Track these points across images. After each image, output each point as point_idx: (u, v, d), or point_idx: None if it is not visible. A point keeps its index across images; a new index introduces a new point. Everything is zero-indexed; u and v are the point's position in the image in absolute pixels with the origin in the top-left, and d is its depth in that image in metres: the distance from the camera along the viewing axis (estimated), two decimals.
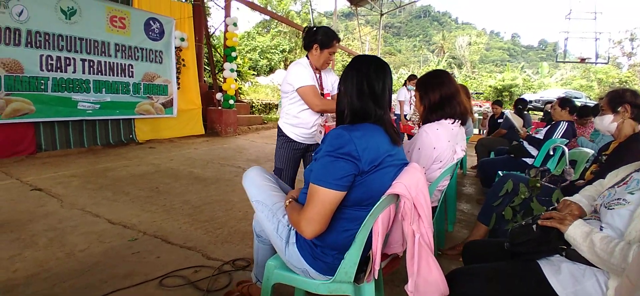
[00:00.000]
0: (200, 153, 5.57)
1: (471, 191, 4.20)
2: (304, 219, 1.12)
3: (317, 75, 2.30)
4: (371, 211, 1.10)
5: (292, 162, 2.37)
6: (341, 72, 1.29)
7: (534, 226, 1.24)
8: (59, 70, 4.72)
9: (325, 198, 1.09)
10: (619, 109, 1.89)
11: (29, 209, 2.82)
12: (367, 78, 1.20)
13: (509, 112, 5.70)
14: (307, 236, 1.13)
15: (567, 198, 1.42)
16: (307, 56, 2.29)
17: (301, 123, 2.28)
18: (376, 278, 1.25)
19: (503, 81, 23.54)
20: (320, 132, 2.23)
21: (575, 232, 1.13)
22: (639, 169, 1.31)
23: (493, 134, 5.32)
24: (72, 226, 2.55)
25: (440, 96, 1.75)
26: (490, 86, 23.80)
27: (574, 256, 1.16)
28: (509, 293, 1.20)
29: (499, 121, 5.90)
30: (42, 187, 3.39)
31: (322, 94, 2.30)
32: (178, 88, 6.44)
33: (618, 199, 1.22)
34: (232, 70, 7.33)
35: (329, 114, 2.29)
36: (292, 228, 1.26)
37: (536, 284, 1.15)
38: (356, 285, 1.23)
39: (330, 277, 1.21)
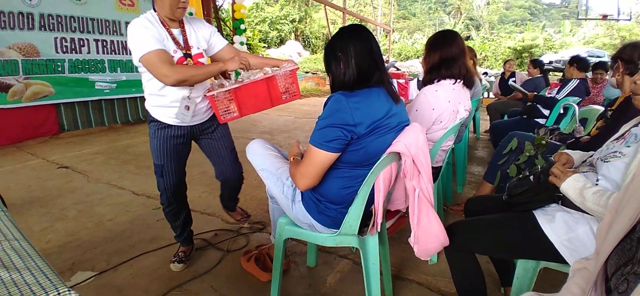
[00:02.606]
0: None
1: (483, 155, 4.21)
2: (299, 173, 1.24)
3: (177, 30, 1.62)
4: (372, 169, 1.18)
5: (173, 154, 1.73)
6: (325, 44, 1.32)
7: (531, 177, 1.29)
8: (74, 51, 4.86)
9: (317, 158, 1.19)
10: (614, 65, 1.87)
11: (57, 186, 3.01)
12: (367, 43, 1.24)
13: (517, 75, 5.57)
14: (301, 188, 1.26)
15: (563, 151, 1.45)
16: (153, 6, 1.64)
17: (171, 102, 1.64)
18: (379, 230, 1.34)
19: (523, 41, 22.61)
20: (188, 108, 1.64)
21: (568, 187, 1.17)
22: (638, 124, 1.32)
23: (509, 97, 5.23)
24: (99, 199, 2.73)
25: (441, 57, 1.77)
26: (509, 48, 22.96)
27: (570, 204, 1.21)
28: (505, 242, 1.27)
29: (511, 80, 5.76)
30: (68, 165, 3.60)
31: (190, 56, 1.63)
32: None
33: (614, 152, 1.24)
34: (242, 43, 7.34)
35: (216, 81, 1.71)
36: (296, 188, 1.35)
37: (530, 232, 1.21)
38: (360, 238, 1.32)
39: (336, 230, 1.31)
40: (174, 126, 1.70)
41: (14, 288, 0.63)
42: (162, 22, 1.58)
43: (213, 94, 1.62)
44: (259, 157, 1.51)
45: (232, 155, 1.95)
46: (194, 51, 1.66)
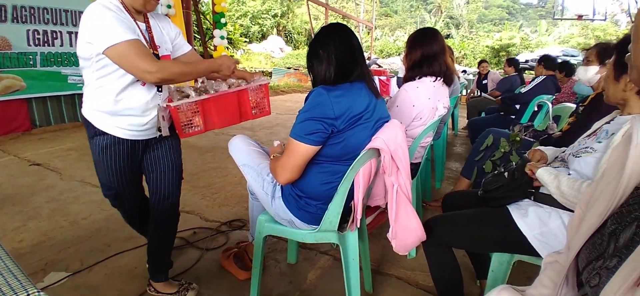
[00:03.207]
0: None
1: (461, 151, 4.31)
2: (279, 167, 1.24)
3: (142, 25, 1.35)
4: (352, 165, 1.18)
5: (129, 175, 1.44)
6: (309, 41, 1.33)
7: (506, 174, 1.33)
8: (46, 44, 4.66)
9: (297, 150, 1.19)
10: (606, 61, 1.93)
11: (29, 184, 2.90)
12: (348, 39, 1.26)
13: (489, 75, 5.75)
14: (281, 182, 1.26)
15: (537, 147, 1.49)
16: None
17: (128, 109, 1.32)
18: (359, 226, 1.35)
19: (500, 40, 23.21)
20: (164, 117, 1.38)
21: (544, 172, 1.22)
22: (610, 122, 1.38)
23: (489, 94, 5.37)
24: (73, 197, 2.64)
25: (422, 54, 1.79)
26: (487, 46, 23.51)
27: (542, 199, 1.25)
28: (480, 236, 1.31)
29: (484, 82, 5.93)
30: (40, 162, 3.46)
31: (158, 58, 1.35)
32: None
33: (586, 147, 1.29)
34: (222, 37, 7.22)
35: (173, 87, 1.49)
36: (277, 184, 1.35)
37: (505, 227, 1.25)
38: (340, 234, 1.33)
39: (316, 227, 1.32)
40: (127, 140, 1.37)
41: None
42: (128, 11, 1.28)
43: (178, 105, 1.37)
44: (241, 152, 1.50)
45: (177, 174, 1.56)
46: (161, 52, 1.38)
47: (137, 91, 1.32)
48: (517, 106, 3.54)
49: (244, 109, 1.56)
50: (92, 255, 1.91)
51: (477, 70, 6.41)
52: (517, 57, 6.45)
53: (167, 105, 1.40)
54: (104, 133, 1.34)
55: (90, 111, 1.34)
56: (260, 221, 1.43)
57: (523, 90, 3.54)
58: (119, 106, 1.31)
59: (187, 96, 1.43)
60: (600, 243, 0.60)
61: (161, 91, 1.41)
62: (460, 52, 22.00)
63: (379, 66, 9.96)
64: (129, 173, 1.44)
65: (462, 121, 5.66)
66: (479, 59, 7.51)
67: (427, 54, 1.78)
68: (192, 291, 1.63)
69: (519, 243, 1.22)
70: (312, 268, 1.84)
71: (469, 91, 6.76)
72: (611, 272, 0.53)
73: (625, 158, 0.59)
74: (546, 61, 3.80)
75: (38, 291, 0.65)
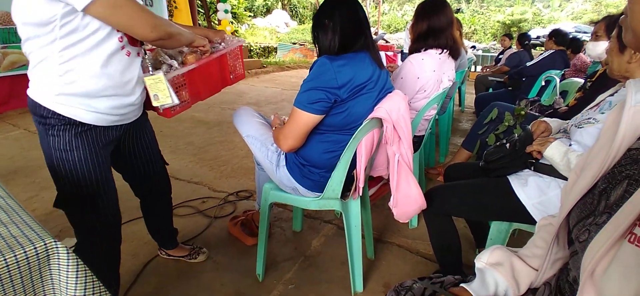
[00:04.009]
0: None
1: (467, 127, 4.29)
2: (282, 135, 1.27)
3: None
4: (355, 134, 1.21)
5: (107, 171, 1.18)
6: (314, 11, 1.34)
7: (508, 145, 1.35)
8: None
9: (300, 119, 1.22)
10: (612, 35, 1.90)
11: (40, 156, 2.90)
12: (354, 8, 1.25)
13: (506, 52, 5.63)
14: (284, 149, 1.30)
15: (540, 119, 1.50)
16: None
17: (112, 87, 1.07)
18: (361, 195, 1.39)
19: (512, 15, 22.57)
20: (156, 96, 1.18)
21: (554, 152, 1.23)
22: (613, 94, 1.38)
23: (495, 71, 5.29)
24: None
25: (428, 26, 1.77)
26: (498, 22, 22.89)
27: (542, 169, 1.27)
28: (480, 205, 1.34)
29: (500, 56, 5.83)
30: None
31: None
32: None
33: (588, 118, 1.30)
34: (226, 11, 7.14)
35: (146, 57, 1.20)
36: (281, 153, 1.38)
37: (504, 196, 1.28)
38: (343, 201, 1.38)
39: (319, 194, 1.36)
40: (102, 127, 1.10)
41: (1, 241, 0.64)
42: None
43: (170, 79, 1.20)
44: (246, 124, 1.53)
45: (162, 160, 1.46)
46: None
47: (121, 61, 1.06)
48: (523, 79, 3.51)
49: (225, 75, 1.49)
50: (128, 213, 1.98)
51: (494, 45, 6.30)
52: (529, 33, 6.29)
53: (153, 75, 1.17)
54: (74, 122, 1.05)
55: (51, 95, 1.01)
56: (265, 189, 1.48)
57: (529, 64, 3.50)
58: (100, 85, 1.03)
59: (169, 67, 1.25)
60: (591, 202, 0.62)
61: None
62: (470, 27, 21.48)
63: (386, 42, 9.80)
64: (107, 168, 1.17)
65: (470, 98, 5.61)
66: (489, 35, 7.33)
67: (433, 26, 1.77)
68: (203, 255, 1.69)
69: (517, 212, 1.25)
70: (316, 235, 1.90)
71: (483, 67, 6.64)
72: (600, 227, 0.54)
73: (619, 121, 0.61)
74: (557, 35, 3.70)
75: (54, 241, 0.66)
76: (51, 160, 1.10)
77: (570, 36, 3.96)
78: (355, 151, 1.26)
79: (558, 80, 2.68)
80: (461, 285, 0.80)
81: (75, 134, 1.07)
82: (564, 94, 2.73)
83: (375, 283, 1.58)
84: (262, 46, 10.97)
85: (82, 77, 1.01)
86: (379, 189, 1.96)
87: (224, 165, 2.82)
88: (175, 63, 1.26)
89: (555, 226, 0.73)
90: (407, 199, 1.31)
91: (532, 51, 5.30)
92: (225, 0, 7.18)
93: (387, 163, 1.46)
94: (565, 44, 3.68)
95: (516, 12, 22.89)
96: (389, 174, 1.39)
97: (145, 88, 1.18)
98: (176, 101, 1.21)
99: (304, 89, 1.20)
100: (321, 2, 1.32)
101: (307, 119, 1.21)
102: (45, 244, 0.66)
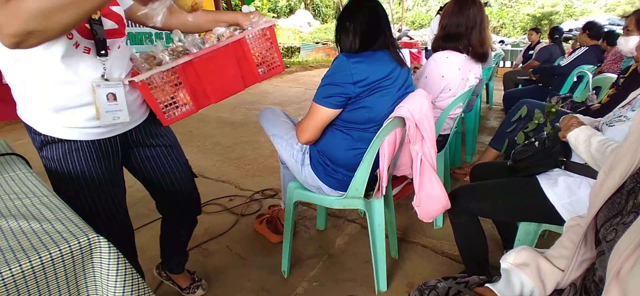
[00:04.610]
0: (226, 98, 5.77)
1: (495, 125, 4.18)
2: (300, 128, 1.34)
3: None
4: (377, 134, 1.22)
5: (107, 186, 1.03)
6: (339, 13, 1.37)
7: (537, 143, 1.32)
8: None
9: (317, 113, 1.27)
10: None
11: None
12: (374, 9, 1.28)
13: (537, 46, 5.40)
14: (301, 142, 1.36)
15: (571, 115, 1.45)
16: None
17: (77, 96, 0.91)
18: (384, 194, 1.39)
19: (542, 8, 21.64)
20: (143, 103, 1.07)
21: (579, 133, 1.20)
22: None
23: (524, 65, 5.11)
24: None
25: (457, 24, 1.72)
26: (528, 15, 22.02)
27: (573, 168, 1.24)
28: (508, 205, 1.31)
29: (530, 52, 5.61)
30: None
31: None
32: None
33: (620, 116, 1.25)
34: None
35: (138, 55, 1.07)
36: (306, 152, 1.42)
37: (533, 196, 1.25)
38: (366, 201, 1.39)
39: (343, 193, 1.38)
40: (98, 140, 0.98)
41: (46, 236, 0.69)
42: None
43: (144, 79, 0.97)
44: (271, 123, 1.57)
45: (189, 172, 1.28)
46: (107, 24, 0.93)
47: (81, 62, 0.89)
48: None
49: (248, 69, 1.13)
50: (138, 219, 2.08)
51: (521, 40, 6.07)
52: (560, 26, 6.01)
53: (129, 80, 0.97)
54: (55, 140, 0.93)
55: (27, 109, 0.93)
56: (290, 188, 1.52)
57: (562, 62, 3.34)
58: (62, 96, 0.89)
59: (160, 63, 1.02)
60: (618, 202, 0.61)
61: (106, 56, 0.92)
62: (498, 21, 20.77)
63: (410, 38, 9.66)
64: (106, 184, 1.02)
65: (498, 94, 5.45)
66: (519, 29, 7.07)
67: (450, 30, 1.72)
68: (200, 290, 1.50)
69: (547, 213, 1.22)
70: (340, 234, 1.92)
71: (514, 62, 6.40)
72: (627, 227, 0.54)
73: None
74: (591, 28, 3.51)
75: (97, 236, 0.71)
76: (50, 180, 1.01)
77: (605, 29, 3.76)
78: (378, 151, 1.27)
79: (591, 76, 2.57)
80: (486, 285, 0.79)
81: (63, 153, 0.95)
82: (596, 89, 2.62)
83: (399, 282, 1.58)
84: (285, 46, 11.08)
85: (41, 83, 0.87)
86: (402, 189, 1.95)
87: (250, 164, 2.89)
88: (166, 57, 1.01)
89: (583, 226, 0.72)
90: (430, 199, 1.31)
91: (564, 44, 5.08)
92: (249, 2, 7.31)
93: (410, 162, 1.46)
94: (599, 38, 3.51)
95: (547, 4, 21.92)
96: (412, 174, 1.39)
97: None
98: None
99: (321, 85, 1.26)
100: (344, 3, 1.34)
101: (322, 113, 1.26)
102: (88, 239, 0.70)
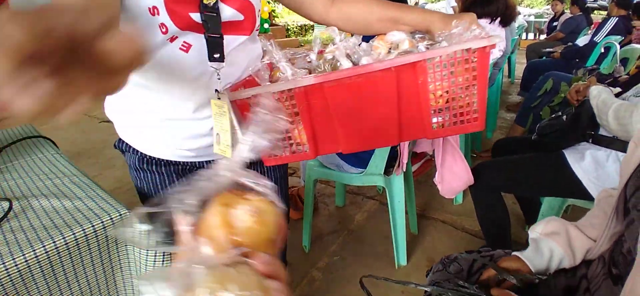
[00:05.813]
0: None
1: (517, 100, 4.06)
2: None
3: None
4: None
5: None
6: None
7: (564, 117, 1.28)
8: None
9: None
10: None
11: (101, 139, 3.22)
12: None
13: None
14: None
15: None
16: None
17: (170, 106, 0.68)
18: (404, 171, 1.39)
19: None
20: (218, 136, 0.67)
21: (601, 88, 1.17)
22: None
23: (548, 37, 4.89)
24: None
25: None
26: None
27: (601, 141, 1.20)
28: (532, 180, 1.29)
29: (554, 24, 5.35)
30: (109, 119, 3.81)
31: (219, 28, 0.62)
32: None
33: None
34: None
35: (261, 48, 0.74)
36: None
37: (558, 171, 1.22)
38: (386, 177, 1.38)
39: (363, 170, 1.38)
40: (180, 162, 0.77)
41: (78, 213, 0.72)
42: None
43: (246, 96, 0.62)
44: None
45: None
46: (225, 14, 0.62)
47: (176, 56, 0.61)
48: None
49: (413, 114, 0.64)
50: None
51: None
52: None
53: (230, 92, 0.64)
54: (135, 150, 0.79)
55: (111, 111, 0.82)
56: (309, 166, 1.53)
57: (595, 37, 3.16)
58: (149, 104, 0.70)
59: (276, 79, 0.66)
60: None
61: (221, 61, 0.63)
62: None
63: None
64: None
65: (520, 68, 5.26)
66: None
67: None
68: None
69: (573, 187, 1.20)
70: (359, 210, 1.93)
71: (530, 35, 6.13)
72: None
73: None
74: None
75: (129, 211, 0.73)
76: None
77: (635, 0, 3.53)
78: None
79: (618, 47, 2.45)
80: (513, 253, 0.79)
81: (138, 162, 0.80)
82: (623, 61, 2.49)
83: (419, 257, 1.59)
84: (299, 25, 10.91)
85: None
86: (422, 165, 1.93)
87: None
88: (299, 72, 0.64)
89: (615, 197, 0.71)
90: (453, 175, 1.29)
91: (591, 15, 4.82)
92: None
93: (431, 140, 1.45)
94: (629, 8, 3.31)
95: None
96: (433, 150, 1.37)
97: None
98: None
99: None
100: None
101: None
102: (120, 214, 0.73)
